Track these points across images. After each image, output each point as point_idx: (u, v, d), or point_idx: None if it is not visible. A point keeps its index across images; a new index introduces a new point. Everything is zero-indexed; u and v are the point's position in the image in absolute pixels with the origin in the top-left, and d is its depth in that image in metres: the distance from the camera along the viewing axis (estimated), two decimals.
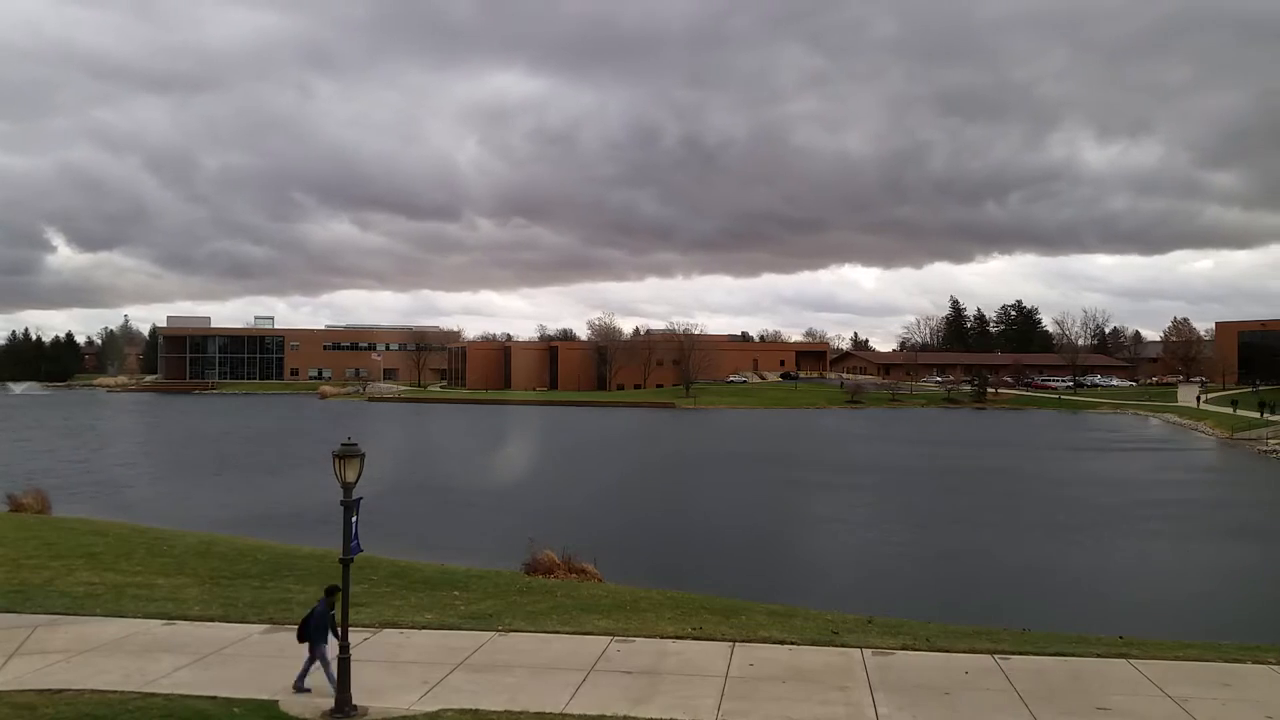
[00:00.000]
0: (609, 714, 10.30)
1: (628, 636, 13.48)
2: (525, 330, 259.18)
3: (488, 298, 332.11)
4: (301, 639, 11.21)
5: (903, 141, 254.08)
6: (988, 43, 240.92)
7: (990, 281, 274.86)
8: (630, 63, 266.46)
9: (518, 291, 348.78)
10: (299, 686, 11.13)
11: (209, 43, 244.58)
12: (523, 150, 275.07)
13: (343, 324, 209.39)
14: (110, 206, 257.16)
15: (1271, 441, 67.27)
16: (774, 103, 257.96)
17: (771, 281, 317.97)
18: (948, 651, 12.89)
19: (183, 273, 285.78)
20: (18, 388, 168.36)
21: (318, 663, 11.07)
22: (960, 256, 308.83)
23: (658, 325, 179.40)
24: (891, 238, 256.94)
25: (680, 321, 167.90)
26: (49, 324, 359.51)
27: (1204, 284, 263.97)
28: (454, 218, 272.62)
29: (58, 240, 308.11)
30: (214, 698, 10.59)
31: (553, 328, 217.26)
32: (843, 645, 13.16)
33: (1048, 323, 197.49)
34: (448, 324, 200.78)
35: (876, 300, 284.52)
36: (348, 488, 10.45)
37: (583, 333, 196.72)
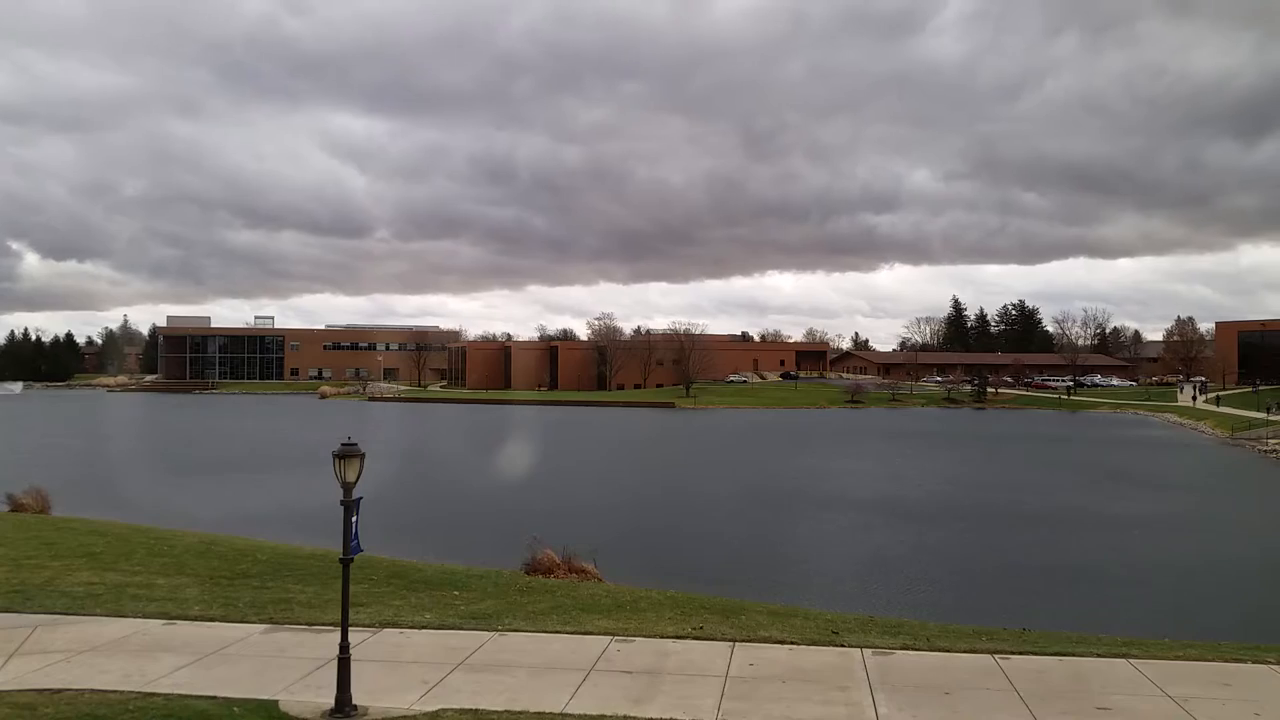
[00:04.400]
0: (609, 714, 10.30)
1: (628, 636, 13.48)
2: (489, 331, 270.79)
3: (441, 300, 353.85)
4: None
5: (721, 170, 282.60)
6: (715, 102, 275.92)
7: (905, 286, 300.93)
8: (441, 110, 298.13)
9: (467, 295, 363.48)
10: None
11: (84, 96, 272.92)
12: (392, 176, 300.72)
13: (342, 324, 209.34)
14: (56, 224, 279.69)
15: (1271, 441, 67.33)
16: (589, 142, 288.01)
17: (703, 286, 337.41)
18: (948, 651, 12.88)
19: (145, 279, 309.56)
20: (16, 387, 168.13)
21: None
22: (858, 267, 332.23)
23: (626, 325, 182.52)
24: (768, 252, 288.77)
25: (680, 322, 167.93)
26: (30, 326, 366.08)
27: (1108, 288, 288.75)
28: (364, 234, 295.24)
29: (23, 249, 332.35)
30: (214, 698, 10.59)
31: (508, 330, 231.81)
32: (843, 645, 13.15)
33: (1048, 323, 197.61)
34: (408, 325, 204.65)
35: (809, 302, 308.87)
36: (348, 487, 10.45)
37: (582, 333, 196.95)
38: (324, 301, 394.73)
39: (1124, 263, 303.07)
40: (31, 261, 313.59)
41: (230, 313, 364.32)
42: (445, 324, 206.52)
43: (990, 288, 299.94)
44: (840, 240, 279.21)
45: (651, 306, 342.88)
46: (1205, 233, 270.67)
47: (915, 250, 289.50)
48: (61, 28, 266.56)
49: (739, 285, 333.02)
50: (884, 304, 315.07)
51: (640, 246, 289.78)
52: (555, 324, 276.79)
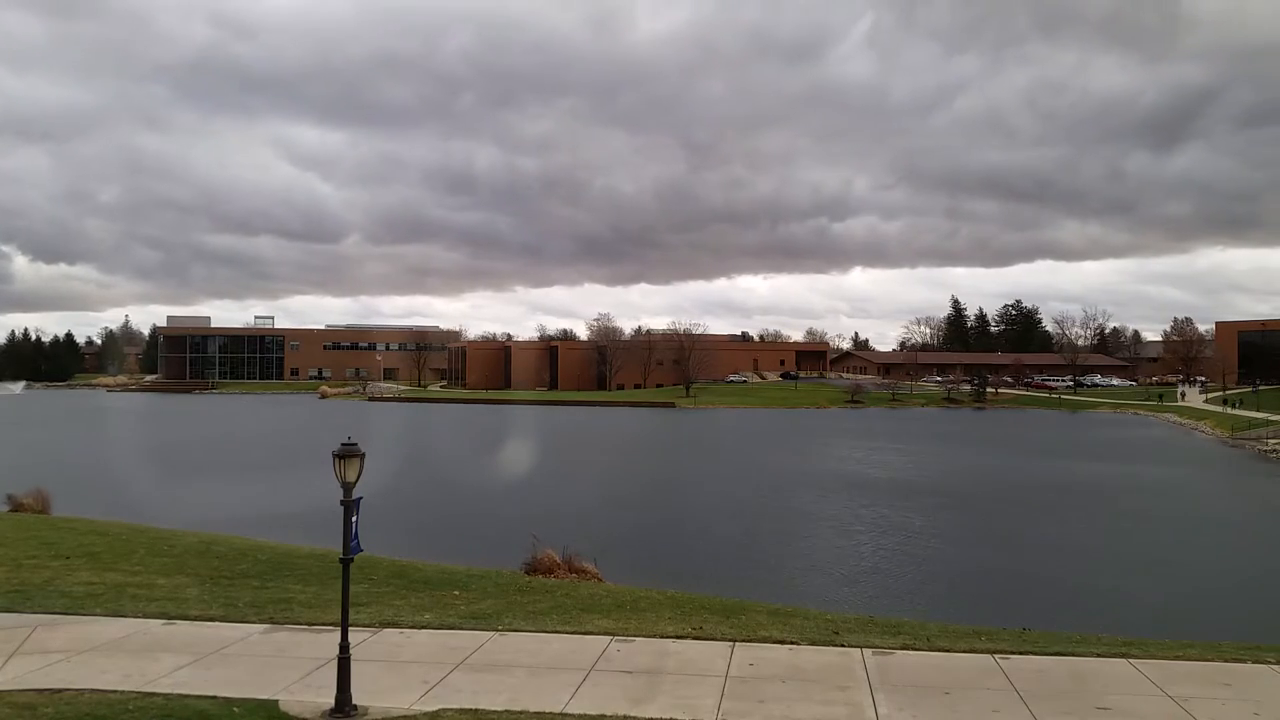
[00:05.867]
0: (609, 714, 10.30)
1: (628, 636, 13.48)
2: (480, 331, 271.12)
3: (428, 301, 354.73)
4: None
5: (668, 178, 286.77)
6: (650, 117, 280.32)
7: (878, 287, 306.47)
8: (392, 122, 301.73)
9: (453, 296, 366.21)
10: None
11: (52, 110, 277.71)
12: (354, 184, 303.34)
13: (343, 323, 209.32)
14: (41, 229, 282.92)
15: (1271, 441, 67.37)
16: (538, 153, 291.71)
17: (684, 288, 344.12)
18: (948, 651, 12.88)
19: (135, 282, 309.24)
20: (17, 387, 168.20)
21: None
22: (827, 270, 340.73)
23: (618, 325, 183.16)
24: (733, 255, 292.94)
25: (679, 322, 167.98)
26: (29, 326, 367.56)
27: (1080, 290, 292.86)
28: (339, 239, 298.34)
29: (12, 252, 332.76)
30: (214, 697, 10.59)
31: (499, 330, 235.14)
32: (843, 645, 13.15)
33: (1048, 322, 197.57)
34: (407, 325, 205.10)
35: (789, 304, 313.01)
36: (348, 487, 10.45)
37: (581, 333, 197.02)
38: (313, 303, 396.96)
39: (1089, 265, 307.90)
40: (22, 264, 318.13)
41: (221, 314, 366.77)
42: (436, 324, 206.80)
43: (962, 290, 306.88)
44: (800, 244, 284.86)
45: (636, 307, 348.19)
46: (1149, 237, 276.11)
47: (877, 254, 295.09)
48: (23, 47, 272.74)
49: (719, 287, 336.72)
50: (865, 305, 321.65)
51: (609, 251, 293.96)
52: (543, 324, 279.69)
